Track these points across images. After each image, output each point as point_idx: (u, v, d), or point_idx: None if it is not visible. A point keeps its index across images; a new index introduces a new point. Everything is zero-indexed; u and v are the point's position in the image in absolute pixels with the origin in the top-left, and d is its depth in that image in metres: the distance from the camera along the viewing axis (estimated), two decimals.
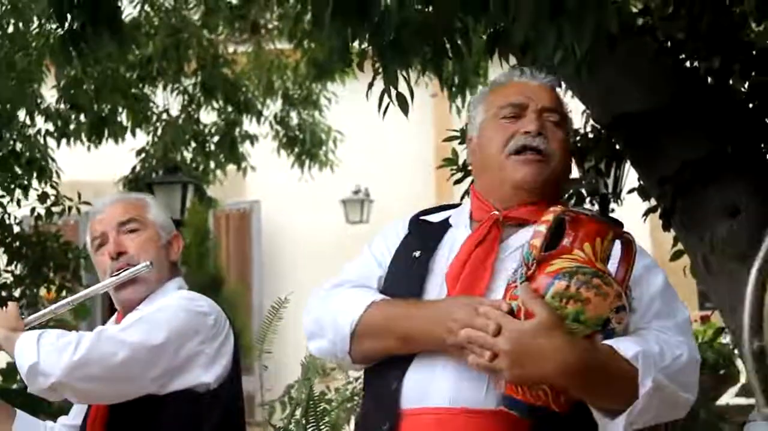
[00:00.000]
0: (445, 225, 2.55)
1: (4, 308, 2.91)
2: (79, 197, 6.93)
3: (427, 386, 2.29)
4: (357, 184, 12.00)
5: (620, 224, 2.23)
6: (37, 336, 2.74)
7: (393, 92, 4.17)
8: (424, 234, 2.54)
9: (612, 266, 2.22)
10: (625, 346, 2.15)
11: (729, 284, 4.30)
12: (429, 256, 2.46)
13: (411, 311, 2.34)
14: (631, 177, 5.38)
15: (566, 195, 4.36)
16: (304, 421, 4.26)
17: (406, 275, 2.46)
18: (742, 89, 4.51)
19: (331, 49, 4.39)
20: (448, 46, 4.16)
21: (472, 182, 4.59)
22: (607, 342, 2.14)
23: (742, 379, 6.36)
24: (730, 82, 4.50)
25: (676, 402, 2.22)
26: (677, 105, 4.37)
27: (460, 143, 4.73)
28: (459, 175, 4.86)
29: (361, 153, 10.88)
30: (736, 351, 6.57)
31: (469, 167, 4.71)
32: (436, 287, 2.39)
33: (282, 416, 4.99)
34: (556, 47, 3.66)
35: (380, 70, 4.26)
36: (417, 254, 2.48)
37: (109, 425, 2.87)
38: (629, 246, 2.23)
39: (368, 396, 2.52)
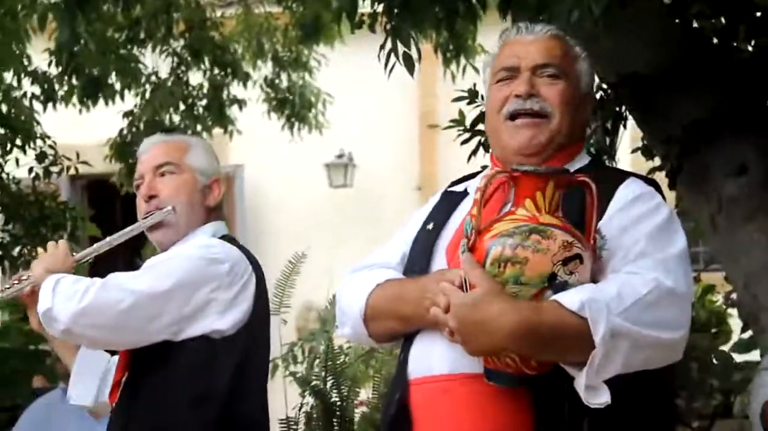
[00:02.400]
0: (464, 194, 2.53)
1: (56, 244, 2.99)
2: (78, 156, 6.91)
3: (429, 356, 2.30)
4: (341, 148, 12.00)
5: (563, 172, 2.21)
6: (55, 281, 2.82)
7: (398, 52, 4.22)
8: (443, 205, 2.53)
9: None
10: (570, 298, 2.09)
11: (735, 241, 4.36)
12: (439, 228, 2.45)
13: (404, 291, 2.35)
14: (626, 138, 5.40)
15: None
16: (323, 374, 4.29)
17: (418, 250, 2.46)
18: (748, 49, 4.56)
19: (339, 9, 4.40)
20: (461, 6, 4.21)
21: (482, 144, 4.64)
22: (554, 296, 2.09)
23: (734, 337, 6.43)
24: (735, 43, 4.55)
25: (651, 344, 2.12)
26: (684, 65, 4.43)
27: (468, 104, 4.76)
28: (466, 135, 4.89)
29: (345, 117, 10.89)
30: (728, 310, 6.65)
31: (477, 128, 4.82)
32: (441, 261, 2.38)
33: (301, 369, 5.05)
34: (572, 7, 3.71)
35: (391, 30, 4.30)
36: (430, 226, 2.48)
37: (131, 368, 2.93)
38: (589, 190, 2.19)
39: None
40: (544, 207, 2.14)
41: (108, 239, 3.12)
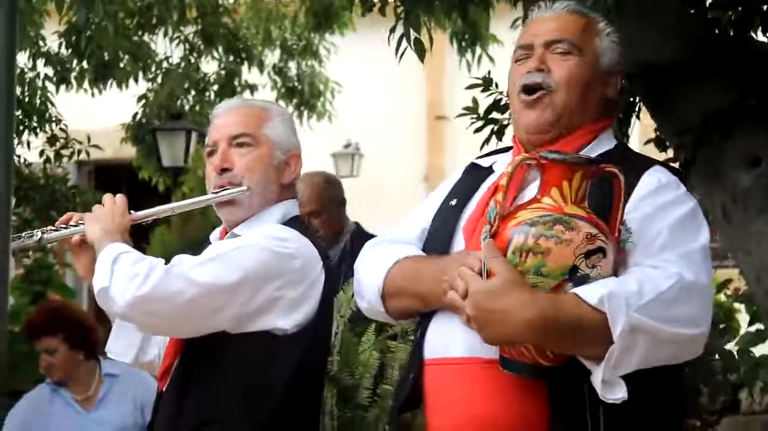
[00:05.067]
0: (489, 171, 2.49)
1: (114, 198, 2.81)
2: (89, 140, 6.91)
3: (447, 337, 2.27)
4: (348, 138, 12.00)
5: (593, 162, 2.14)
6: (114, 256, 2.65)
7: (409, 37, 4.20)
8: (468, 181, 2.50)
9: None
10: (590, 292, 2.04)
11: (749, 233, 4.34)
12: (462, 206, 2.41)
13: (422, 270, 2.32)
14: (635, 130, 5.38)
15: None
16: (337, 358, 4.27)
17: (441, 227, 2.43)
18: (763, 40, 4.54)
19: None
20: None
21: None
22: (574, 290, 2.05)
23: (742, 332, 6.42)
24: (751, 33, 4.53)
25: (671, 340, 2.09)
26: (699, 56, 4.40)
27: (482, 91, 4.74)
28: (479, 123, 4.86)
29: (352, 107, 10.91)
30: (736, 305, 6.64)
31: (490, 116, 4.81)
32: (460, 239, 2.35)
33: None
34: None
35: (402, 15, 4.29)
36: (453, 203, 2.44)
37: (184, 354, 2.78)
38: (616, 181, 2.14)
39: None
40: (570, 197, 2.09)
41: (171, 205, 2.98)
